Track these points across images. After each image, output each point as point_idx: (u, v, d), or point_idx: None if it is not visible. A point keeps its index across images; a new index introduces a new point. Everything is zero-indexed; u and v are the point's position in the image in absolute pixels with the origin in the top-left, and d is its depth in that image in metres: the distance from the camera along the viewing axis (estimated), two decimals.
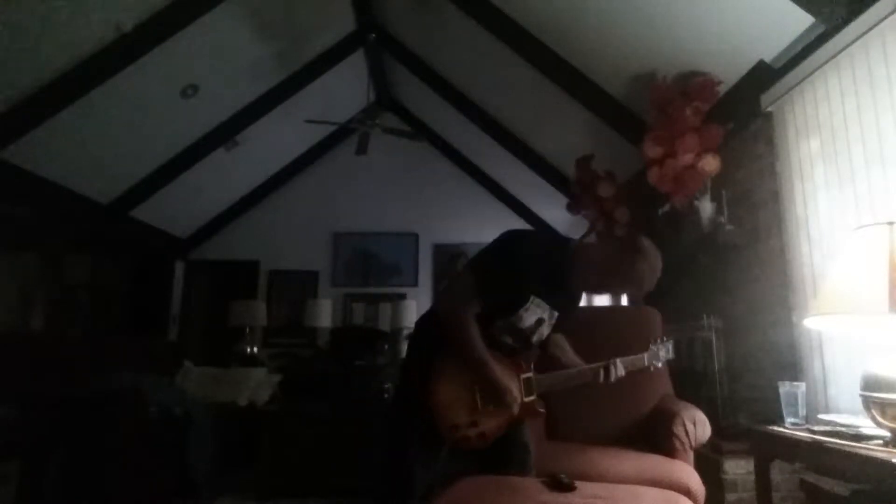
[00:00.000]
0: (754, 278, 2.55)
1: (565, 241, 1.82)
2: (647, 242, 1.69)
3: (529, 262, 1.67)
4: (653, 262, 1.68)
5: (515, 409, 1.69)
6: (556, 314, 1.77)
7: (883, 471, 1.23)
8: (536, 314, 1.72)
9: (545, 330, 1.77)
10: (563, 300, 1.78)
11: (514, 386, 1.70)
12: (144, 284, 5.66)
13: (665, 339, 1.86)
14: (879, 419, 1.37)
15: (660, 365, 1.83)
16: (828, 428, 1.55)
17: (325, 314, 5.49)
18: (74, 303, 4.64)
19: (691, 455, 2.02)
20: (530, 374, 1.74)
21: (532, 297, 1.69)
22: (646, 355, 1.81)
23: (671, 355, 1.84)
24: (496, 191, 6.39)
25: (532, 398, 1.74)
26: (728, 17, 2.42)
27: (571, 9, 3.10)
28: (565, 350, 1.90)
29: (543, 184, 5.08)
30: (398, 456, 1.75)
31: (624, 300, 3.89)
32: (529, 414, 1.77)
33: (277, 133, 5.40)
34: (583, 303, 2.00)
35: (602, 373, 1.74)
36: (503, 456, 1.79)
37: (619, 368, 1.75)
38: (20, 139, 3.50)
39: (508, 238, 1.75)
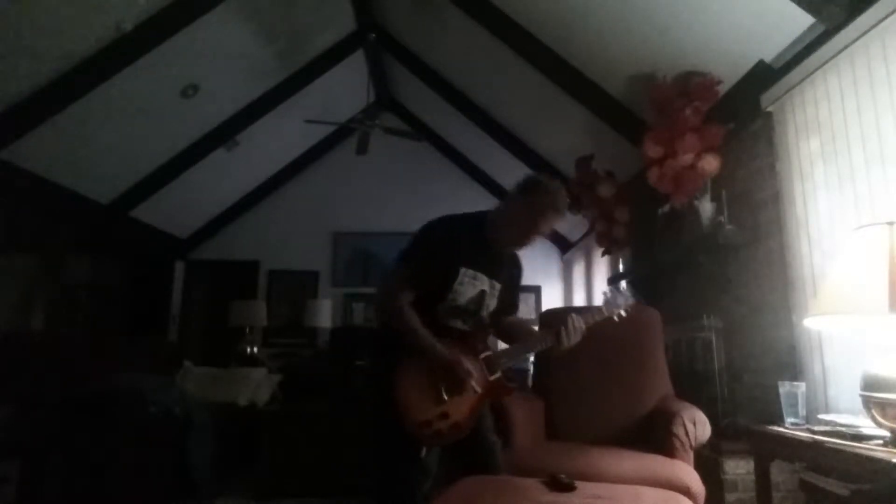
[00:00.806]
0: (754, 278, 2.55)
1: (481, 213, 1.83)
2: (541, 178, 1.75)
3: (448, 237, 1.72)
4: (553, 192, 1.72)
5: (475, 385, 1.66)
6: (497, 284, 1.78)
7: (883, 471, 1.23)
8: (475, 287, 1.74)
9: (491, 301, 1.79)
10: (497, 267, 1.79)
11: (475, 367, 1.68)
12: (144, 284, 5.67)
13: (619, 285, 1.85)
14: (879, 419, 1.37)
15: (623, 313, 1.80)
16: (828, 428, 1.55)
17: (325, 314, 5.49)
18: (74, 303, 4.64)
19: (691, 455, 2.02)
20: (489, 353, 1.74)
21: (462, 270, 1.71)
22: (603, 307, 1.81)
23: (631, 299, 1.82)
24: (496, 191, 6.39)
25: (497, 376, 1.74)
26: (728, 17, 2.42)
27: (572, 9, 3.10)
28: (522, 323, 1.95)
29: None
30: (388, 466, 1.72)
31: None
32: (499, 392, 1.77)
33: (277, 133, 5.40)
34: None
35: (563, 332, 1.71)
36: (473, 461, 1.77)
37: (578, 321, 1.72)
38: (20, 139, 3.50)
39: (426, 225, 1.78)
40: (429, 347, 1.65)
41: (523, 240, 1.75)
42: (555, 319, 2.84)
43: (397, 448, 1.68)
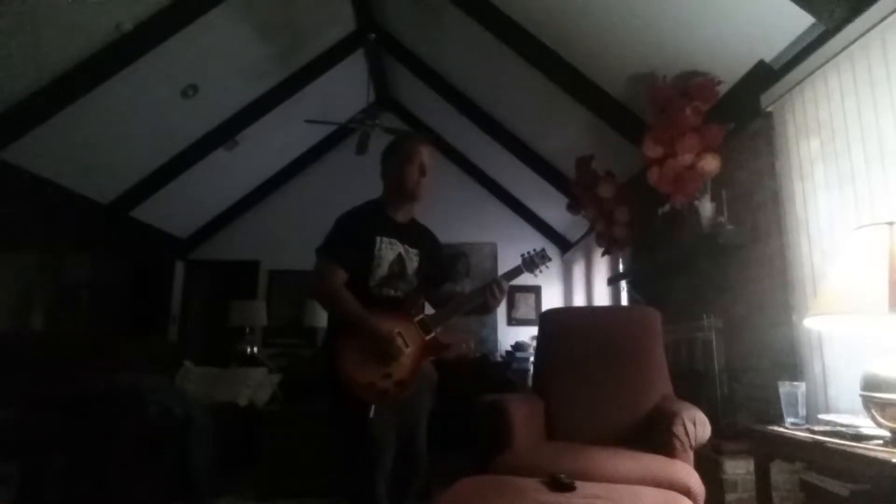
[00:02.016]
0: (754, 278, 2.54)
1: (379, 197, 2.06)
2: (399, 136, 2.09)
3: (358, 219, 1.94)
4: (405, 138, 2.07)
5: (404, 349, 1.80)
6: (411, 249, 1.96)
7: (883, 471, 1.22)
8: (393, 250, 1.92)
9: (410, 263, 1.96)
10: (407, 235, 1.98)
11: (409, 330, 1.83)
12: (144, 284, 5.67)
13: (537, 249, 2.04)
14: (879, 419, 1.37)
15: (539, 270, 2.01)
16: (828, 428, 1.55)
17: (324, 314, 5.48)
18: (74, 303, 4.65)
19: (691, 455, 2.02)
20: (422, 315, 1.89)
21: (378, 238, 1.89)
22: (521, 266, 2.00)
23: (549, 258, 2.04)
24: (496, 191, 6.40)
25: (432, 335, 1.88)
26: (728, 17, 2.42)
27: (572, 9, 3.10)
28: (453, 292, 2.15)
29: (543, 184, 5.08)
30: (345, 433, 1.82)
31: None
32: (436, 350, 1.92)
33: (277, 133, 5.40)
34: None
35: (488, 291, 1.88)
36: (404, 468, 1.86)
37: (503, 282, 1.90)
38: (20, 139, 3.50)
39: (337, 219, 1.97)
40: (361, 321, 1.79)
41: (407, 191, 1.95)
42: (555, 318, 2.86)
43: (348, 412, 1.78)
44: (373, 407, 1.74)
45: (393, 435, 1.80)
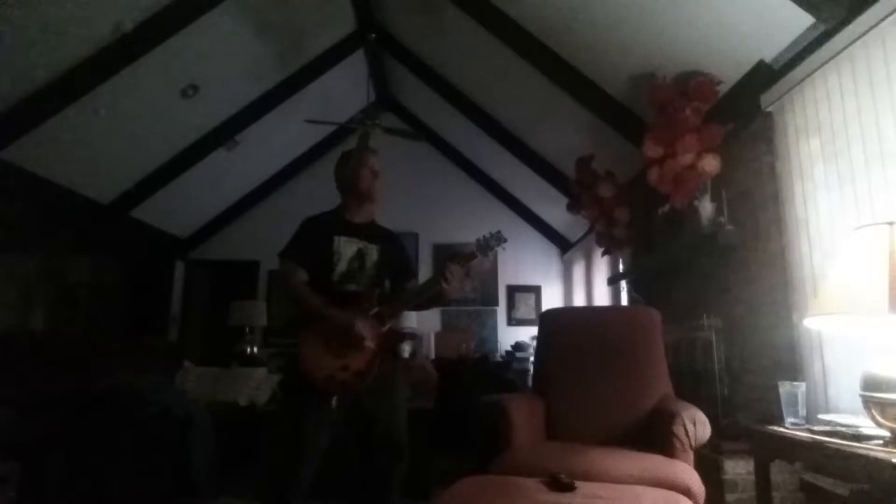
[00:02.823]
0: (754, 278, 2.55)
1: (336, 207, 2.21)
2: (349, 150, 2.32)
3: (316, 224, 2.09)
4: (352, 150, 2.28)
5: (363, 333, 1.88)
6: (371, 245, 2.08)
7: (883, 471, 1.22)
8: (351, 246, 2.05)
9: (373, 254, 2.08)
10: (367, 235, 2.10)
11: (367, 322, 1.91)
12: (144, 284, 5.66)
13: (493, 231, 2.08)
14: (879, 419, 1.37)
15: (493, 252, 2.06)
16: (828, 428, 1.55)
17: None
18: (74, 303, 4.64)
19: (691, 455, 2.02)
20: (377, 308, 1.97)
21: (335, 237, 2.03)
22: (475, 251, 2.06)
23: (505, 238, 2.07)
24: (496, 191, 6.40)
25: (388, 326, 1.97)
26: (728, 17, 2.42)
27: (572, 9, 3.10)
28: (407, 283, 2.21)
29: (543, 184, 5.08)
30: (293, 426, 1.88)
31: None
32: (393, 340, 2.03)
33: (277, 133, 5.40)
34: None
35: (442, 279, 1.94)
36: (377, 443, 1.93)
37: (457, 268, 1.98)
38: (20, 139, 3.50)
39: (301, 222, 2.12)
40: (321, 312, 1.92)
41: (362, 192, 2.12)
42: (555, 319, 2.86)
43: (305, 402, 1.88)
44: (335, 398, 1.85)
45: (329, 432, 1.90)
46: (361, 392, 1.91)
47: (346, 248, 2.05)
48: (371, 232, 2.15)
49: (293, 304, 2.01)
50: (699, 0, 2.50)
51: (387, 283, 2.14)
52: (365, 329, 1.90)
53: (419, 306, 2.13)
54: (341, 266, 2.02)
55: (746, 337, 2.59)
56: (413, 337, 5.30)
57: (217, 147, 4.92)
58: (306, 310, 1.96)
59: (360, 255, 2.06)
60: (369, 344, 1.91)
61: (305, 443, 1.86)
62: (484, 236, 2.08)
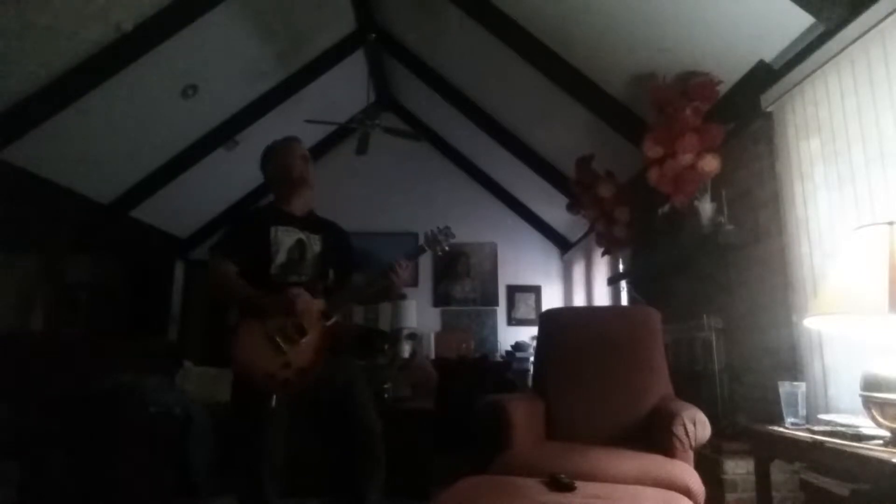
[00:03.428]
0: (754, 278, 2.55)
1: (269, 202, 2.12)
2: (270, 144, 2.16)
3: (250, 217, 2.04)
4: (278, 142, 2.14)
5: (310, 313, 1.80)
6: (313, 236, 1.99)
7: (883, 471, 1.22)
8: (291, 236, 1.95)
9: (315, 245, 1.99)
10: (308, 226, 2.01)
11: (310, 317, 1.81)
12: (144, 284, 5.66)
13: (440, 226, 2.03)
14: (879, 419, 1.37)
15: (441, 248, 1.99)
16: (828, 428, 1.55)
17: None
18: (74, 303, 4.64)
19: (691, 455, 2.02)
20: (321, 305, 1.86)
21: (272, 228, 1.93)
22: (423, 244, 2.00)
23: (453, 234, 2.02)
24: (496, 191, 6.40)
25: (332, 321, 1.87)
26: (728, 17, 2.42)
27: (572, 9, 3.10)
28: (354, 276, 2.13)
29: (543, 184, 5.08)
30: (247, 426, 1.82)
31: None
32: (336, 336, 1.90)
33: (277, 133, 5.31)
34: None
35: (392, 273, 1.89)
36: (346, 436, 1.86)
37: (404, 260, 1.92)
38: (20, 139, 3.50)
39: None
40: (253, 299, 1.81)
41: (294, 179, 2.02)
42: (555, 318, 2.86)
43: (248, 404, 1.79)
44: (274, 397, 1.74)
45: (285, 434, 1.82)
46: (316, 389, 1.82)
47: (285, 237, 1.94)
48: (312, 222, 2.05)
49: (225, 297, 1.92)
50: (699, 0, 2.50)
51: (331, 275, 2.05)
52: (309, 324, 1.80)
53: (366, 300, 2.10)
54: (280, 257, 1.91)
55: (746, 337, 2.59)
56: (413, 337, 5.29)
57: (217, 147, 4.92)
58: (241, 299, 1.84)
59: (300, 246, 1.96)
60: (313, 340, 1.81)
61: (259, 446, 1.79)
62: (432, 231, 2.02)
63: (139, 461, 2.82)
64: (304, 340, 1.80)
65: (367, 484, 1.85)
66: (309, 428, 1.96)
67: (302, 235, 1.97)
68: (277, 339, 1.79)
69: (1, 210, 3.79)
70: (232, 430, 1.94)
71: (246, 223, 2.00)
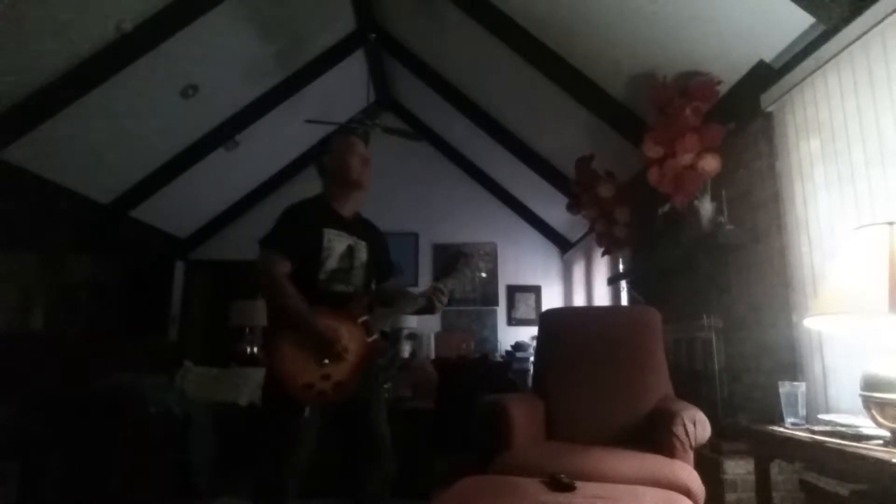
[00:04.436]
0: (754, 278, 2.55)
1: (320, 194, 2.04)
2: (332, 134, 2.15)
3: (304, 212, 1.90)
4: (339, 134, 2.11)
5: (345, 351, 1.76)
6: (360, 242, 1.95)
7: (883, 471, 1.22)
8: (342, 241, 1.89)
9: (360, 254, 1.94)
10: (354, 228, 1.96)
11: (355, 331, 1.80)
12: (144, 284, 5.66)
13: (473, 261, 2.06)
14: (879, 419, 1.37)
15: (483, 275, 1.98)
16: (828, 428, 1.55)
17: None
18: (74, 303, 4.64)
19: (691, 455, 2.02)
20: (366, 317, 1.84)
21: (325, 230, 1.86)
22: (466, 270, 2.04)
23: (483, 273, 2.00)
24: (496, 191, 6.40)
25: (375, 337, 1.85)
26: (728, 17, 2.42)
27: (572, 8, 3.10)
28: (398, 288, 2.14)
29: (543, 184, 5.08)
30: (275, 431, 1.78)
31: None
32: (377, 352, 1.89)
33: (277, 133, 5.40)
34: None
35: (434, 296, 1.91)
36: (362, 452, 1.87)
37: (446, 288, 1.94)
38: (20, 139, 3.50)
39: (282, 212, 1.91)
40: (305, 322, 1.73)
41: (352, 181, 1.96)
42: (555, 319, 2.86)
43: (281, 410, 1.75)
44: (307, 408, 1.72)
45: (314, 436, 1.80)
46: (347, 401, 1.80)
47: (337, 242, 1.87)
48: (360, 227, 2.00)
49: (272, 299, 1.82)
50: (699, 0, 2.50)
51: (373, 286, 2.02)
52: (352, 338, 1.77)
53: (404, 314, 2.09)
54: (331, 263, 1.84)
55: (746, 337, 2.59)
56: (413, 337, 5.30)
57: (217, 147, 4.92)
58: (288, 311, 1.75)
59: (350, 253, 1.89)
60: (354, 355, 1.78)
61: (287, 454, 1.75)
62: (464, 257, 2.09)
63: (139, 461, 2.82)
64: (347, 354, 1.77)
65: (373, 498, 1.87)
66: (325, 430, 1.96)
67: (351, 241, 1.92)
68: (319, 352, 1.75)
69: (1, 210, 3.79)
70: (259, 432, 1.90)
71: (300, 218, 1.87)
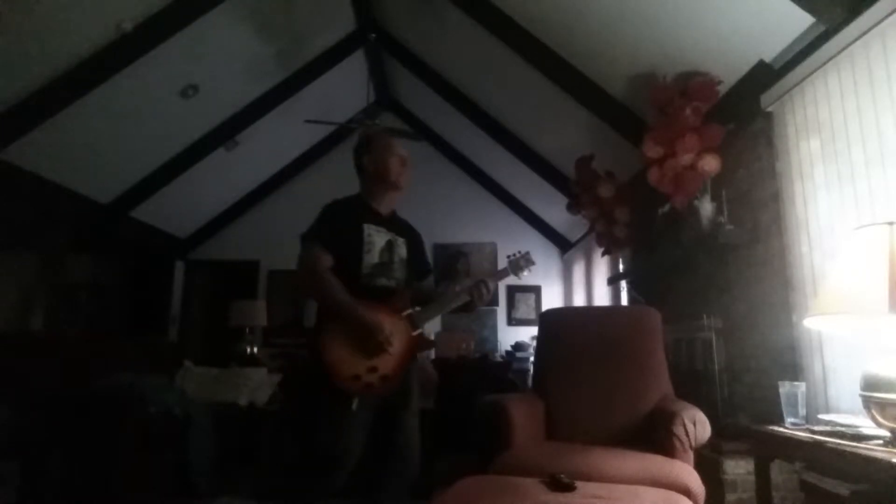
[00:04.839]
0: (754, 278, 2.55)
1: (357, 193, 2.04)
2: (370, 133, 2.13)
3: (344, 208, 1.92)
4: (377, 132, 2.10)
5: (391, 343, 1.75)
6: (399, 238, 1.96)
7: (883, 471, 1.22)
8: (382, 237, 1.91)
9: (402, 250, 1.96)
10: (391, 226, 1.97)
11: (399, 325, 1.80)
12: (144, 284, 5.67)
13: (521, 251, 2.08)
14: (879, 419, 1.37)
15: (524, 273, 2.05)
16: (828, 428, 1.55)
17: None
18: (74, 303, 4.64)
19: (691, 455, 2.02)
20: (410, 311, 1.85)
21: (364, 226, 1.87)
22: (508, 268, 2.06)
23: (533, 262, 2.11)
24: (496, 190, 6.40)
25: (419, 331, 1.86)
26: (728, 17, 2.42)
27: (572, 9, 3.10)
28: (433, 288, 2.17)
29: (543, 184, 5.08)
30: (309, 427, 1.77)
31: None
32: (422, 346, 1.90)
33: (277, 133, 5.40)
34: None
35: (476, 291, 1.90)
36: (389, 450, 1.85)
37: (491, 283, 1.95)
38: (20, 139, 3.50)
39: (322, 208, 1.93)
40: (348, 310, 1.74)
41: (390, 181, 1.96)
42: (555, 319, 2.86)
43: (328, 405, 1.74)
44: (356, 399, 1.71)
45: (364, 434, 1.77)
46: (387, 396, 1.80)
47: (377, 237, 1.89)
48: (397, 224, 2.02)
49: (316, 293, 1.82)
50: (699, 0, 2.50)
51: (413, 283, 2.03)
52: (396, 332, 1.77)
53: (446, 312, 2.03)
54: (372, 257, 1.85)
55: (746, 337, 2.59)
56: None
57: (217, 147, 4.92)
58: (333, 303, 1.76)
59: (389, 248, 1.91)
60: (399, 348, 1.78)
61: (342, 452, 1.73)
62: (515, 255, 2.08)
63: (139, 461, 2.82)
64: (391, 348, 1.76)
65: (394, 499, 1.86)
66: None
67: (390, 237, 1.93)
68: (368, 344, 1.74)
69: (1, 210, 3.79)
70: (305, 427, 1.89)
71: (340, 213, 1.89)
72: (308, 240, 1.83)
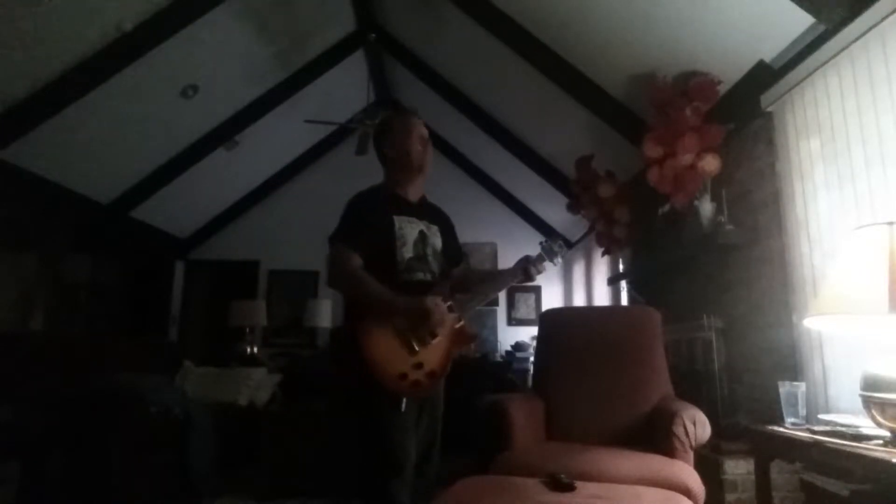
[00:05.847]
0: (754, 278, 2.55)
1: (380, 183, 1.93)
2: (388, 115, 2.07)
3: (370, 202, 1.80)
4: (397, 113, 2.02)
5: (444, 324, 1.67)
6: (432, 226, 1.85)
7: (883, 471, 1.22)
8: (413, 228, 1.78)
9: (436, 240, 1.84)
10: (422, 212, 1.85)
11: (443, 307, 1.68)
12: (144, 284, 5.67)
13: (554, 237, 2.00)
14: (879, 419, 1.37)
15: (559, 259, 1.96)
16: (828, 428, 1.55)
17: (325, 314, 5.50)
18: (74, 303, 4.64)
19: (691, 455, 2.02)
20: (451, 303, 1.73)
21: (395, 218, 1.76)
22: (542, 252, 1.94)
23: (566, 247, 2.02)
24: (496, 191, 6.40)
25: (461, 323, 1.77)
26: (728, 17, 2.42)
27: (572, 9, 3.10)
28: (473, 272, 2.10)
29: (543, 184, 5.08)
30: (375, 430, 1.64)
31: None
32: (464, 338, 1.81)
33: (277, 133, 5.40)
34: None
35: (521, 274, 1.86)
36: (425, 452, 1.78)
37: (540, 265, 1.89)
38: (20, 139, 3.50)
39: (346, 203, 1.82)
40: (389, 302, 1.62)
41: (413, 164, 1.83)
42: (555, 319, 2.86)
43: (377, 409, 1.62)
44: (405, 400, 1.61)
45: (414, 433, 1.68)
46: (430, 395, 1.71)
47: (409, 229, 1.76)
48: (427, 210, 1.88)
49: (352, 291, 1.71)
50: (699, 0, 2.50)
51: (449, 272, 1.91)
52: (444, 315, 1.65)
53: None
54: (406, 251, 1.73)
55: (746, 337, 2.59)
56: None
57: (217, 147, 4.92)
58: (371, 298, 1.64)
59: (423, 239, 1.79)
60: (443, 342, 1.67)
61: (405, 459, 1.61)
62: (548, 241, 1.97)
63: (139, 461, 2.82)
64: (434, 341, 1.66)
65: (426, 487, 1.76)
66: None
67: (422, 226, 1.81)
68: (411, 339, 1.64)
69: (1, 210, 3.79)
70: (361, 437, 1.70)
71: (367, 208, 1.77)
72: (334, 242, 1.71)
